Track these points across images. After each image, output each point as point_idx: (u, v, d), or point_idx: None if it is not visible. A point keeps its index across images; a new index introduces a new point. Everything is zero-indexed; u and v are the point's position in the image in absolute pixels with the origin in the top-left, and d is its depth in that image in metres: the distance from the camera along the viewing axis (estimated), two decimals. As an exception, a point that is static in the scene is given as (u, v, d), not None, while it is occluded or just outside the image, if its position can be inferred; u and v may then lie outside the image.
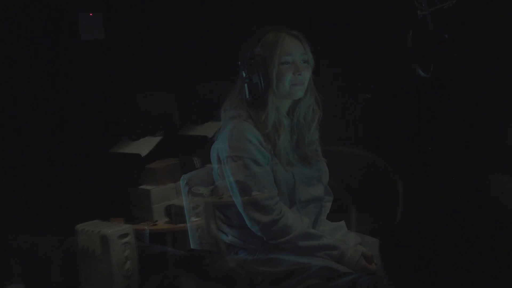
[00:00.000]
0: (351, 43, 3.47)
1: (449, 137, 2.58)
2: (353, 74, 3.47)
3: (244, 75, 2.34)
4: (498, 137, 2.27)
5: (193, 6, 3.97)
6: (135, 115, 3.89)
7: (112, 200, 3.63)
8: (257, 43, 2.37)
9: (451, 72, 2.33)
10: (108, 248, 1.87)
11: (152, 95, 3.99)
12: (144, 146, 3.73)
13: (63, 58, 3.83)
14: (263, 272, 1.83)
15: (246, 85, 2.34)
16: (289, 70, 2.35)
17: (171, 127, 3.86)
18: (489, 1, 2.12)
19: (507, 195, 2.17)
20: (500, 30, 2.22)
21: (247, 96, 2.35)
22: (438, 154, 2.62)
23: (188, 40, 4.02)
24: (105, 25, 3.96)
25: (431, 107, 2.67)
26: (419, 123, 2.74)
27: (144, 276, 1.91)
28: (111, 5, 3.95)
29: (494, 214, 2.07)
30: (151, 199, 3.46)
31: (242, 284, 1.80)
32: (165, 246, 3.09)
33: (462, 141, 2.39)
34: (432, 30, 2.16)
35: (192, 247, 2.61)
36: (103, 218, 2.11)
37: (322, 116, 2.51)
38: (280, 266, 1.87)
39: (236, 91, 2.41)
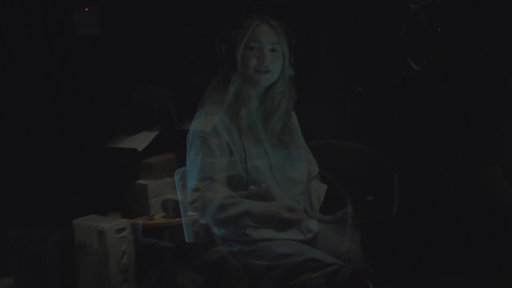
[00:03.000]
0: (344, 37, 3.47)
1: (443, 130, 2.60)
2: (346, 67, 3.48)
3: (218, 56, 2.45)
4: (494, 130, 2.29)
5: (191, 2, 3.98)
6: (131, 110, 3.90)
7: (109, 195, 3.64)
8: (234, 28, 2.45)
9: (445, 65, 2.35)
10: (105, 243, 1.88)
11: (149, 90, 4.00)
12: (140, 141, 3.74)
13: (59, 54, 3.83)
14: (247, 263, 1.85)
15: (219, 65, 2.45)
16: (254, 55, 2.42)
17: (167, 121, 3.87)
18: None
19: (502, 189, 2.18)
20: (493, 23, 2.23)
21: (219, 75, 2.46)
22: (432, 147, 2.63)
23: (185, 34, 4.03)
24: (100, 20, 3.96)
25: (425, 100, 2.68)
26: (412, 116, 2.75)
27: (139, 267, 1.93)
28: (107, 0, 3.95)
29: (488, 208, 2.09)
30: (147, 193, 3.47)
31: (228, 275, 1.82)
32: (161, 240, 3.10)
33: (456, 135, 2.41)
34: (424, 23, 2.17)
35: (187, 241, 2.63)
36: (100, 213, 2.12)
37: (317, 109, 2.58)
38: (264, 258, 1.89)
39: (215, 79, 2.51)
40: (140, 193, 3.50)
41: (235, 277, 1.81)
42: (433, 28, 2.18)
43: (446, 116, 2.59)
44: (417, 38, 2.22)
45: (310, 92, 2.58)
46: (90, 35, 3.94)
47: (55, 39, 3.83)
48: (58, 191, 3.75)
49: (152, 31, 4.02)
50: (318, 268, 1.79)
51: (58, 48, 3.84)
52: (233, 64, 2.41)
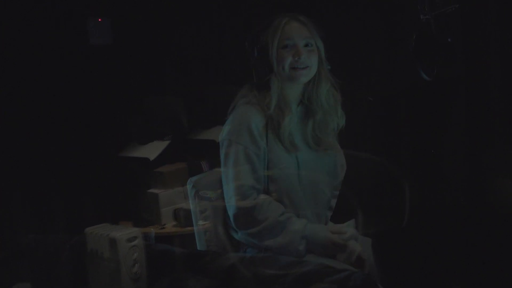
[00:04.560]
0: (356, 47, 3.48)
1: (453, 139, 2.59)
2: (358, 77, 3.48)
3: (250, 59, 2.39)
4: (504, 140, 2.29)
5: (202, 10, 4.00)
6: (144, 119, 3.92)
7: (121, 204, 3.65)
8: (263, 30, 2.39)
9: (455, 75, 2.35)
10: (117, 251, 1.89)
11: (160, 99, 4.02)
12: (152, 150, 3.76)
13: (73, 63, 3.86)
14: (259, 270, 1.85)
15: (254, 70, 2.39)
16: (288, 53, 2.35)
17: (179, 131, 3.88)
18: (492, 5, 2.13)
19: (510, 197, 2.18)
20: (503, 33, 2.24)
21: (255, 80, 2.39)
22: (442, 157, 2.63)
23: (197, 44, 4.05)
24: (113, 30, 3.99)
25: (435, 110, 2.68)
26: (422, 125, 2.75)
27: (150, 275, 1.94)
28: (120, 10, 3.98)
29: (497, 216, 2.09)
30: (159, 202, 3.48)
31: (241, 282, 1.82)
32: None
33: (466, 144, 2.41)
34: (435, 33, 2.18)
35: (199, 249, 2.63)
36: (112, 221, 2.13)
37: (343, 103, 2.50)
38: (276, 264, 1.88)
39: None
40: (152, 202, 3.51)
41: (247, 284, 1.82)
42: (444, 39, 2.18)
43: (456, 126, 2.59)
44: (427, 48, 2.23)
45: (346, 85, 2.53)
46: (103, 45, 3.97)
47: (69, 49, 3.86)
48: (71, 199, 3.77)
49: (165, 41, 4.05)
50: (329, 274, 1.79)
51: (71, 58, 3.87)
52: (268, 66, 2.34)
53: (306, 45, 2.36)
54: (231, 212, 2.32)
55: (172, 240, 3.36)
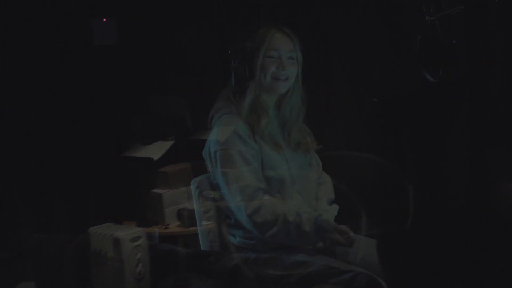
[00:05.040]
0: (360, 48, 3.48)
1: (458, 142, 2.59)
2: (362, 78, 3.48)
3: (232, 64, 2.44)
4: (508, 143, 2.28)
5: (206, 11, 4.00)
6: (147, 119, 3.92)
7: (124, 204, 3.66)
8: (248, 36, 2.45)
9: (460, 77, 2.35)
10: (120, 251, 1.89)
11: (165, 99, 4.02)
12: (156, 150, 3.76)
13: (77, 63, 3.87)
14: (263, 271, 1.85)
15: (232, 73, 2.44)
16: (273, 63, 2.43)
17: (183, 131, 3.88)
18: (497, 7, 2.13)
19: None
20: (509, 35, 2.23)
21: (233, 84, 2.44)
22: (446, 159, 2.63)
23: (201, 45, 4.05)
24: (118, 30, 3.99)
25: (440, 112, 2.68)
26: (426, 127, 2.75)
27: (154, 275, 1.94)
28: (124, 10, 3.98)
29: (501, 219, 2.08)
30: (163, 202, 3.48)
31: (246, 282, 1.82)
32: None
33: (470, 146, 2.40)
34: (440, 35, 2.17)
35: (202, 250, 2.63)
36: (115, 221, 2.13)
37: (330, 119, 2.58)
38: (280, 265, 1.89)
39: (228, 85, 2.50)
40: (156, 202, 3.51)
41: (251, 285, 1.82)
42: (448, 40, 2.18)
43: (460, 128, 2.59)
44: (432, 50, 2.22)
45: (324, 103, 2.59)
46: (107, 45, 3.98)
47: (73, 49, 3.87)
48: (75, 199, 3.77)
49: (169, 41, 4.05)
50: (334, 275, 1.79)
51: (76, 58, 3.88)
52: (251, 73, 2.42)
53: (290, 58, 2.45)
54: (243, 216, 2.33)
55: (176, 240, 3.36)
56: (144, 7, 3.98)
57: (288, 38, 2.45)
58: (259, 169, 2.39)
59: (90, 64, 3.90)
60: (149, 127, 3.89)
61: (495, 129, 2.26)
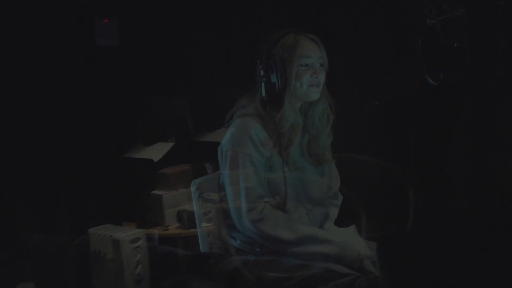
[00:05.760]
0: (361, 51, 3.48)
1: (459, 145, 2.59)
2: (364, 81, 3.49)
3: (262, 74, 2.38)
4: (509, 144, 2.28)
5: (208, 12, 4.00)
6: (149, 120, 3.92)
7: (124, 205, 3.66)
8: (276, 44, 2.41)
9: (462, 80, 2.34)
10: (120, 252, 1.89)
11: (166, 101, 4.02)
12: (157, 152, 3.76)
13: (79, 64, 3.87)
14: (263, 273, 1.85)
15: (263, 84, 2.39)
16: (307, 72, 2.40)
17: (184, 133, 3.88)
18: (499, 10, 2.13)
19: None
20: (510, 39, 2.23)
21: (263, 95, 2.39)
22: (448, 162, 2.63)
23: (203, 46, 4.05)
24: (119, 31, 3.99)
25: (441, 115, 2.68)
26: (428, 130, 2.74)
27: (153, 276, 1.94)
28: (126, 11, 3.99)
29: (503, 222, 2.08)
30: (163, 204, 3.48)
31: (246, 284, 1.82)
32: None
33: (473, 150, 2.40)
34: (441, 38, 2.17)
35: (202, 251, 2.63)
36: (115, 222, 2.13)
37: (334, 123, 2.54)
38: (281, 267, 1.89)
39: (253, 92, 2.46)
40: (156, 204, 3.51)
41: (252, 287, 1.82)
42: (450, 43, 2.17)
43: (462, 131, 2.58)
44: (433, 53, 2.22)
45: (340, 105, 2.56)
46: (109, 46, 3.98)
47: (75, 50, 3.87)
48: (76, 200, 3.78)
49: (171, 42, 4.05)
50: (334, 278, 1.79)
51: (78, 59, 3.88)
52: (284, 82, 2.36)
53: (320, 65, 2.42)
54: (243, 220, 2.33)
55: (175, 242, 3.36)
56: (146, 8, 3.99)
57: (316, 45, 2.43)
58: (265, 177, 2.38)
59: (91, 65, 3.91)
60: (150, 128, 3.89)
61: (497, 131, 2.25)
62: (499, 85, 2.28)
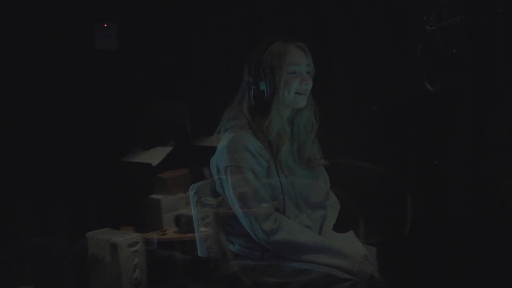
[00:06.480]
0: (361, 57, 3.49)
1: (457, 151, 2.60)
2: (362, 87, 3.49)
3: (250, 81, 2.38)
4: (509, 152, 2.29)
5: (207, 18, 4.00)
6: (147, 124, 3.92)
7: (122, 209, 3.66)
8: (264, 51, 2.41)
9: (460, 87, 2.35)
10: (118, 256, 1.89)
11: (165, 105, 4.02)
12: (155, 156, 3.76)
13: (78, 68, 3.87)
14: (263, 278, 1.85)
15: (252, 91, 2.39)
16: (295, 79, 2.41)
17: (182, 137, 3.89)
18: (498, 17, 2.13)
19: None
20: (509, 44, 2.24)
21: (252, 102, 2.39)
22: (446, 168, 2.63)
23: (203, 51, 4.06)
24: (119, 35, 4.00)
25: (440, 121, 2.69)
26: (426, 136, 2.75)
27: (151, 281, 1.93)
28: (126, 15, 3.99)
29: (503, 226, 2.08)
30: (161, 208, 3.48)
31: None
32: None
33: (471, 156, 2.41)
34: (440, 45, 2.18)
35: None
36: (113, 226, 2.13)
37: (331, 129, 2.55)
38: (280, 272, 1.88)
39: (237, 100, 2.47)
40: (154, 208, 3.51)
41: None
42: (449, 50, 2.18)
43: (460, 137, 2.59)
44: (432, 60, 2.23)
45: (325, 112, 2.57)
46: (108, 50, 3.98)
47: (74, 53, 3.87)
48: (73, 204, 3.77)
49: (170, 47, 4.06)
50: (333, 283, 1.79)
51: (77, 62, 3.88)
52: (272, 90, 2.37)
53: (307, 72, 2.44)
54: (257, 236, 2.33)
55: (173, 246, 3.36)
56: (145, 12, 3.99)
57: (303, 52, 2.44)
58: (267, 186, 2.39)
59: (91, 68, 3.91)
60: (148, 133, 3.89)
61: (496, 137, 2.26)
62: (498, 91, 2.29)
